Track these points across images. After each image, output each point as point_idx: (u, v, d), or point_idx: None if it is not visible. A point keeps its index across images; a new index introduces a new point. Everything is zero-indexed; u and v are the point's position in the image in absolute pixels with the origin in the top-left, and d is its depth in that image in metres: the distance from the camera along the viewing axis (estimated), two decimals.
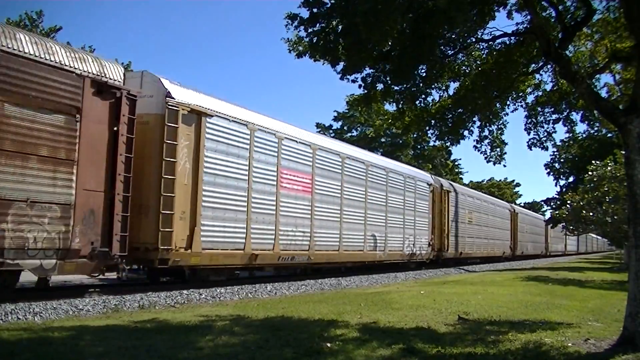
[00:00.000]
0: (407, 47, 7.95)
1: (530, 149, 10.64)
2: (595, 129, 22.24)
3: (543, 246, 46.31)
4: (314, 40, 8.25)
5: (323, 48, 8.21)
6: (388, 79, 8.84)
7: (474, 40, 9.10)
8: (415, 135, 16.52)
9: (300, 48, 8.91)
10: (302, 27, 8.25)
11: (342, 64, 8.48)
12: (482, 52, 10.04)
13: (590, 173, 23.65)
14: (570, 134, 28.28)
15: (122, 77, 9.65)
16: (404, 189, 20.11)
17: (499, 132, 10.50)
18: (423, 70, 8.90)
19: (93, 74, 9.02)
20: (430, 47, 8.06)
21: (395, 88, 9.11)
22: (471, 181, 60.54)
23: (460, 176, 53.72)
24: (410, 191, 20.66)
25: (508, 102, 10.26)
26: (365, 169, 17.33)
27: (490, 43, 9.41)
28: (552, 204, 41.09)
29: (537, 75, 10.32)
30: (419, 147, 45.81)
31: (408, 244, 20.21)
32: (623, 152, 7.69)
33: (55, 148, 8.39)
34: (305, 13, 8.23)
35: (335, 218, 15.52)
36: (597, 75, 10.01)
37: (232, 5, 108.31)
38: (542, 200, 48.38)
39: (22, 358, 4.82)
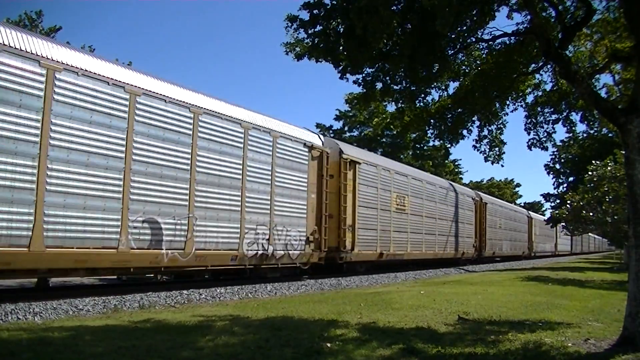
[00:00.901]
0: (417, 45, 7.94)
1: (530, 149, 10.65)
2: (595, 129, 22.27)
3: (525, 245, 39.08)
4: (315, 41, 8.25)
5: (324, 49, 8.22)
6: (387, 78, 8.85)
7: (474, 40, 9.10)
8: (414, 135, 16.14)
9: (298, 49, 8.91)
10: (302, 30, 8.26)
11: (342, 64, 8.48)
12: (482, 52, 10.06)
13: (590, 173, 23.66)
14: (570, 134, 28.30)
15: None
16: (243, 145, 12.23)
17: (498, 131, 10.51)
18: (425, 70, 8.91)
19: None
20: (440, 45, 8.07)
21: (395, 87, 9.12)
22: (471, 181, 60.65)
23: (460, 176, 53.72)
24: (258, 151, 12.69)
25: (508, 102, 10.28)
26: (126, 100, 9.73)
27: (490, 43, 9.42)
28: (550, 200, 41.04)
29: (537, 75, 10.34)
30: (418, 146, 45.76)
31: (253, 239, 12.46)
32: (623, 152, 7.69)
33: None
34: (305, 15, 8.26)
35: (23, 183, 8.15)
36: (597, 75, 10.01)
37: (232, 5, 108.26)
38: (541, 195, 46.91)
39: (22, 358, 4.82)
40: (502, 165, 10.98)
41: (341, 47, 8.19)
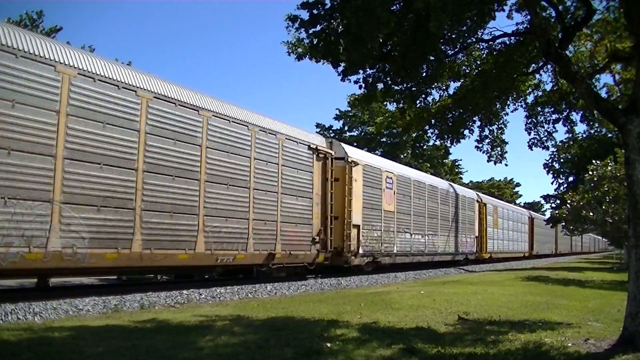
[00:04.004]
0: (410, 45, 7.93)
1: (531, 149, 10.63)
2: (595, 129, 22.20)
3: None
4: (314, 41, 8.23)
5: (323, 49, 8.20)
6: (388, 78, 8.83)
7: (474, 40, 9.09)
8: (415, 135, 16.14)
9: (300, 50, 8.89)
10: (302, 29, 8.24)
11: (342, 64, 8.46)
12: (482, 52, 10.05)
13: (590, 173, 23.64)
14: (570, 134, 28.19)
15: None
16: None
17: (500, 131, 10.51)
18: (424, 70, 8.89)
19: None
20: (433, 46, 8.04)
21: (396, 88, 9.10)
22: (471, 181, 60.60)
23: (460, 176, 53.68)
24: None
25: (508, 102, 10.27)
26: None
27: (490, 43, 9.40)
28: (550, 201, 40.85)
29: (537, 75, 10.32)
30: (418, 145, 45.69)
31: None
32: (623, 152, 7.69)
33: None
34: (304, 14, 8.22)
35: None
36: (597, 75, 10.01)
37: (233, 5, 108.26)
38: (541, 197, 46.11)
39: (22, 358, 4.82)
40: (506, 165, 11.00)
41: (341, 48, 8.17)
